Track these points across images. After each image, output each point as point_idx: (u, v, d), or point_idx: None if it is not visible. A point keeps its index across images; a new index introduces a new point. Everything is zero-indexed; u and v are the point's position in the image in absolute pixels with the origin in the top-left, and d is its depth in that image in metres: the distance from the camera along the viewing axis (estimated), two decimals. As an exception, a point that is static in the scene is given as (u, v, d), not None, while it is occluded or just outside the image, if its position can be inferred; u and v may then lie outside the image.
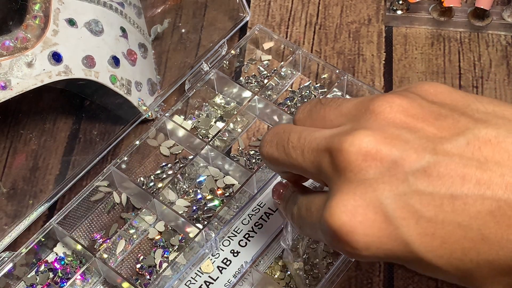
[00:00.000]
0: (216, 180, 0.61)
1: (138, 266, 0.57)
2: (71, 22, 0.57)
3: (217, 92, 0.67)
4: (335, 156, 0.38)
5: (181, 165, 0.62)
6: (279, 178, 0.60)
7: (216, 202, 0.60)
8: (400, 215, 0.36)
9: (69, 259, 0.57)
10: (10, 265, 0.55)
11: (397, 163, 0.37)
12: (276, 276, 0.56)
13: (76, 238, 0.57)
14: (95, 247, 0.58)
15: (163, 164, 0.63)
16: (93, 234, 0.59)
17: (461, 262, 0.36)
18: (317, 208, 0.41)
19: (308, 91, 0.66)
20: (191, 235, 0.57)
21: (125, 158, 0.61)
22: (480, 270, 0.36)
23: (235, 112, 0.65)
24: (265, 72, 0.68)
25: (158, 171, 0.62)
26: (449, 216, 0.35)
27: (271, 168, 0.48)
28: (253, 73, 0.69)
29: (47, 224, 0.57)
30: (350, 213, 0.37)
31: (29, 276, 0.57)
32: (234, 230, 0.59)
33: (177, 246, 0.58)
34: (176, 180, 0.60)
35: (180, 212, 0.58)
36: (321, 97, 0.64)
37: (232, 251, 0.58)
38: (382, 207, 0.36)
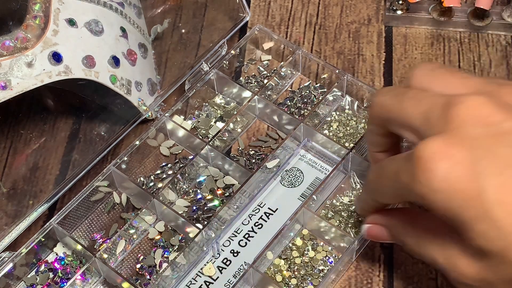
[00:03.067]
0: (216, 180, 0.61)
1: (138, 266, 0.57)
2: (71, 22, 0.57)
3: (217, 92, 0.67)
4: (451, 109, 0.40)
5: (181, 165, 0.62)
6: (277, 182, 0.60)
7: (216, 202, 0.60)
8: (488, 164, 0.38)
9: (69, 259, 0.57)
10: (10, 265, 0.55)
11: (506, 131, 0.39)
12: (277, 276, 0.56)
13: (76, 238, 0.57)
14: (95, 247, 0.58)
15: (163, 164, 0.63)
16: (93, 234, 0.59)
17: None
18: (404, 156, 0.42)
19: (308, 91, 0.66)
20: (191, 235, 0.57)
21: (125, 158, 0.61)
22: None
23: (235, 112, 0.65)
24: (265, 72, 0.68)
25: (158, 171, 0.62)
26: None
27: (372, 125, 0.49)
28: (253, 73, 0.69)
29: (47, 224, 0.57)
30: (442, 146, 0.39)
31: (29, 276, 0.57)
32: (234, 230, 0.59)
33: (177, 246, 0.58)
34: (176, 180, 0.60)
35: (180, 212, 0.58)
36: (321, 97, 0.64)
37: (232, 251, 0.58)
38: (474, 156, 0.39)
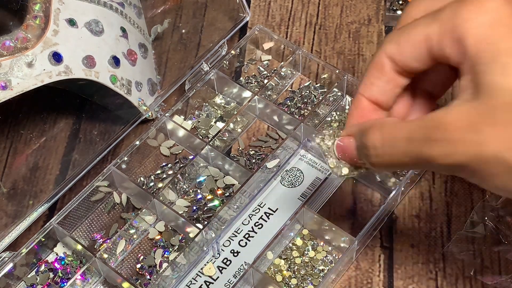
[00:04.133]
0: (216, 180, 0.61)
1: (138, 266, 0.57)
2: (71, 22, 0.57)
3: (217, 92, 0.67)
4: None
5: (181, 165, 0.62)
6: (277, 182, 0.60)
7: (216, 202, 0.60)
8: None
9: (69, 259, 0.57)
10: (11, 265, 0.55)
11: None
12: (277, 276, 0.56)
13: (76, 238, 0.57)
14: (95, 247, 0.58)
15: (163, 164, 0.63)
16: (93, 234, 0.59)
17: None
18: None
19: (308, 91, 0.66)
20: (191, 235, 0.57)
21: (125, 158, 0.61)
22: None
23: (235, 112, 0.65)
24: (265, 72, 0.68)
25: (158, 171, 0.62)
26: None
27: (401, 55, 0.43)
28: (253, 73, 0.69)
29: (47, 224, 0.57)
30: None
31: (29, 276, 0.57)
32: (234, 230, 0.59)
33: (177, 246, 0.58)
34: (176, 180, 0.60)
35: (180, 212, 0.58)
36: (321, 97, 0.64)
37: (232, 251, 0.58)
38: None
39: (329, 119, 0.64)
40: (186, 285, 0.56)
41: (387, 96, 0.44)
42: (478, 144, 0.37)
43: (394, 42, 0.42)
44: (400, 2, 0.70)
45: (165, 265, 0.56)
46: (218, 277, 0.56)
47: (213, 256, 0.57)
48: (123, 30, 0.62)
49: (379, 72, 0.44)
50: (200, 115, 0.66)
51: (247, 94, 0.65)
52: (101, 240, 0.59)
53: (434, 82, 0.46)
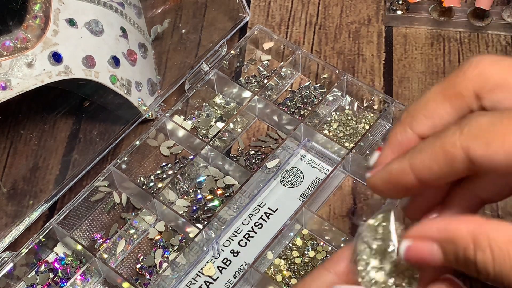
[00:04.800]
0: (216, 180, 0.61)
1: (138, 266, 0.57)
2: (71, 22, 0.57)
3: (217, 92, 0.67)
4: None
5: (181, 165, 0.62)
6: (277, 182, 0.60)
7: (216, 202, 0.60)
8: None
9: (69, 259, 0.57)
10: (10, 265, 0.55)
11: None
12: (277, 276, 0.56)
13: (76, 238, 0.57)
14: (95, 247, 0.58)
15: (163, 164, 0.63)
16: (93, 234, 0.59)
17: None
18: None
19: (308, 91, 0.66)
20: (191, 235, 0.57)
21: (125, 158, 0.61)
22: None
23: (235, 112, 0.65)
24: (265, 72, 0.68)
25: (158, 171, 0.62)
26: None
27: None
28: (253, 73, 0.69)
29: (47, 224, 0.57)
30: None
31: (29, 276, 0.57)
32: (234, 230, 0.59)
33: (177, 246, 0.58)
34: (176, 180, 0.60)
35: (180, 212, 0.58)
36: (321, 97, 0.64)
37: (232, 251, 0.58)
38: None
39: (329, 119, 0.64)
40: (186, 285, 0.56)
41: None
42: None
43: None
44: (400, 2, 0.70)
45: (165, 265, 0.56)
46: (218, 277, 0.56)
47: (213, 256, 0.57)
48: (123, 30, 0.62)
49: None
50: (200, 115, 0.66)
51: (247, 94, 0.65)
52: (101, 240, 0.59)
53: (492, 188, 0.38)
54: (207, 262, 0.57)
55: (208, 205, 0.60)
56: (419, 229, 0.35)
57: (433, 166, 0.34)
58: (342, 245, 0.56)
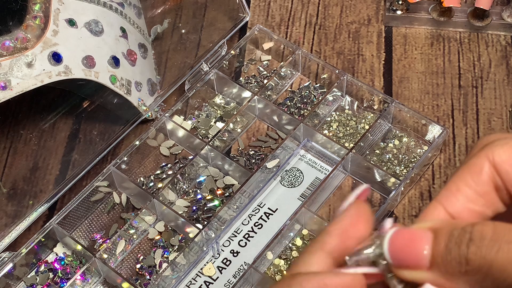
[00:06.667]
0: (216, 180, 0.61)
1: (138, 266, 0.57)
2: (71, 22, 0.57)
3: (217, 92, 0.67)
4: None
5: (181, 165, 0.62)
6: (277, 182, 0.60)
7: (216, 202, 0.60)
8: None
9: (69, 259, 0.57)
10: (10, 265, 0.55)
11: None
12: (277, 276, 0.56)
13: (76, 238, 0.57)
14: (95, 247, 0.58)
15: (163, 164, 0.63)
16: (93, 234, 0.59)
17: None
18: None
19: (307, 91, 0.66)
20: (191, 235, 0.57)
21: (125, 158, 0.61)
22: None
23: (235, 112, 0.65)
24: (265, 72, 0.68)
25: (158, 171, 0.62)
26: None
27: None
28: (253, 73, 0.69)
29: (47, 224, 0.57)
30: None
31: (29, 276, 0.57)
32: (234, 230, 0.59)
33: (177, 246, 0.58)
34: (176, 180, 0.60)
35: (180, 212, 0.58)
36: (320, 97, 0.64)
37: (232, 251, 0.58)
38: None
39: (329, 119, 0.64)
40: (186, 285, 0.56)
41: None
42: None
43: None
44: (400, 2, 0.70)
45: (165, 265, 0.56)
46: (218, 277, 0.56)
47: (212, 256, 0.57)
48: (122, 30, 0.62)
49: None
50: (200, 115, 0.66)
51: (247, 94, 0.65)
52: (101, 240, 0.59)
53: None
54: (207, 262, 0.57)
55: (208, 205, 0.60)
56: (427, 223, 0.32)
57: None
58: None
